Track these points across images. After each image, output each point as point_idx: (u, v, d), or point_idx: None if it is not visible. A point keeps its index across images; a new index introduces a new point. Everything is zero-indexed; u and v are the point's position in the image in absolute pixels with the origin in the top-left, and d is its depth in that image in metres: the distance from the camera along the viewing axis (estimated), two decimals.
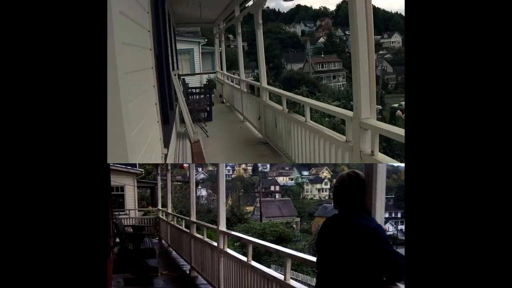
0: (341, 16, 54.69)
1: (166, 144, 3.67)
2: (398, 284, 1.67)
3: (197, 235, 5.63)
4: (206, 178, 43.32)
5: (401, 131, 2.54)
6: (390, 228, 32.63)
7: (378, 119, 3.11)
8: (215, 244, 4.45)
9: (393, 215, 36.91)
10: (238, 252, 4.45)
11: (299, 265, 12.51)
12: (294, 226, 28.28)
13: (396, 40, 54.35)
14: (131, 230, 7.49)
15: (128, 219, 9.83)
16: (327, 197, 44.93)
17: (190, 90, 11.63)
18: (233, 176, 46.62)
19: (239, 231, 10.85)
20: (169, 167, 8.78)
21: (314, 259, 2.21)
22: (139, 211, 12.10)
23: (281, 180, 50.43)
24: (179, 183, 21.21)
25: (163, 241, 8.86)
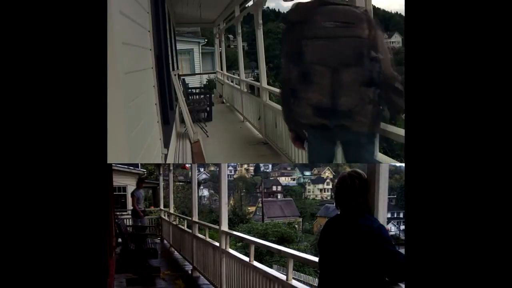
0: None
1: (166, 144, 3.66)
2: (401, 284, 1.67)
3: (199, 235, 5.63)
4: (208, 178, 43.33)
5: (401, 131, 2.53)
6: (392, 228, 32.56)
7: None
8: (217, 244, 4.45)
9: (395, 215, 36.82)
10: (240, 252, 4.45)
11: (301, 266, 12.51)
12: (296, 226, 28.23)
13: (396, 40, 54.09)
14: (133, 230, 7.48)
15: (130, 219, 9.81)
16: (329, 197, 44.84)
17: (190, 90, 11.63)
18: (235, 176, 46.62)
19: (241, 231, 10.85)
20: (171, 168, 8.78)
21: (316, 259, 2.20)
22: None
23: (283, 180, 50.39)
24: (181, 183, 21.27)
25: (165, 241, 8.85)
